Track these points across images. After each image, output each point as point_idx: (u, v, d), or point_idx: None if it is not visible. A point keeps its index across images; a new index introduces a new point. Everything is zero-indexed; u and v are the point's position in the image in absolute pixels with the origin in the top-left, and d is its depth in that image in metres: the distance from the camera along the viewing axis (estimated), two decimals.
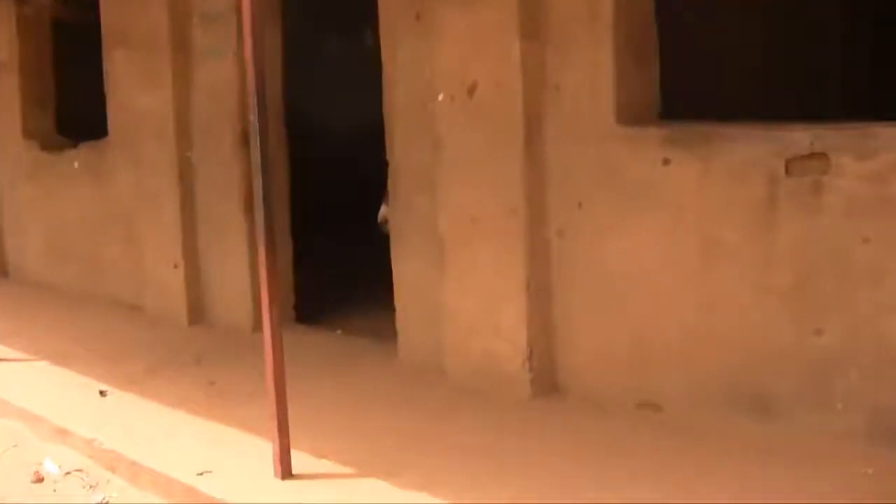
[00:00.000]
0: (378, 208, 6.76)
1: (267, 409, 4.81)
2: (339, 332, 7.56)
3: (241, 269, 7.50)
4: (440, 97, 5.80)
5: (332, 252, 9.12)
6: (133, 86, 8.01)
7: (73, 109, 9.83)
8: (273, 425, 4.78)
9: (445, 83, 5.78)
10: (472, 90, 5.65)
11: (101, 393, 6.39)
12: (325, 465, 4.94)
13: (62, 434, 5.95)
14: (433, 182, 6.03)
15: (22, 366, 7.25)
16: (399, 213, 6.33)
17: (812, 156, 4.63)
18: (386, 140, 6.38)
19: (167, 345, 7.42)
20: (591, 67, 5.32)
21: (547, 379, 5.67)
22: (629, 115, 5.29)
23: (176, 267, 7.80)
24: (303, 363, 6.50)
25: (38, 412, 6.24)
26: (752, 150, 4.81)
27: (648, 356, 5.28)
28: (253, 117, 4.70)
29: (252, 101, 4.68)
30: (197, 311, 7.85)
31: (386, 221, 6.74)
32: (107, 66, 8.39)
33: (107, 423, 5.92)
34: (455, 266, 5.88)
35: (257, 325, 7.27)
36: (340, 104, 10.00)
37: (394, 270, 6.42)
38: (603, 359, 5.47)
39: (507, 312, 5.66)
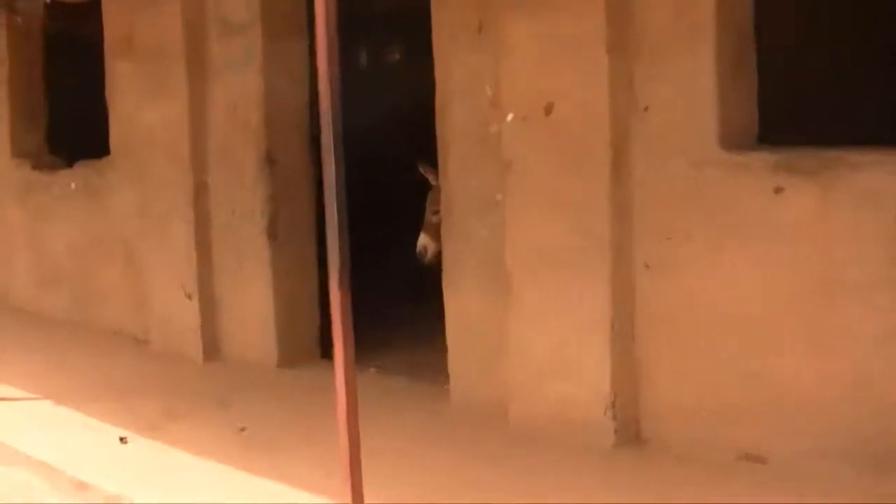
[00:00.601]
0: (413, 237, 6.26)
1: (328, 464, 4.23)
2: (372, 370, 6.96)
3: (263, 299, 6.91)
4: (509, 117, 5.29)
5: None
6: (140, 100, 7.40)
7: (59, 126, 9.18)
8: (346, 489, 4.19)
9: (516, 102, 5.27)
10: (548, 109, 5.14)
11: (121, 440, 5.77)
12: None
13: (82, 488, 5.32)
14: (498, 209, 5.50)
15: (23, 406, 6.62)
16: (453, 243, 5.79)
17: None
18: (439, 163, 5.84)
19: (183, 383, 6.81)
20: (687, 84, 4.83)
21: (630, 427, 5.15)
22: (730, 137, 4.80)
23: (189, 297, 7.18)
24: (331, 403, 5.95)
25: (52, 461, 5.60)
26: (882, 177, 4.34)
27: (752, 404, 4.77)
28: (326, 137, 4.11)
29: (326, 119, 4.10)
30: (212, 346, 7.24)
31: (426, 251, 6.19)
32: (109, 80, 7.76)
33: (131, 476, 5.32)
34: (524, 301, 5.34)
35: (283, 361, 6.76)
36: (359, 120, 9.42)
37: (446, 305, 5.87)
38: (696, 406, 4.96)
39: (588, 353, 5.14)
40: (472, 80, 5.59)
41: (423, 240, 6.20)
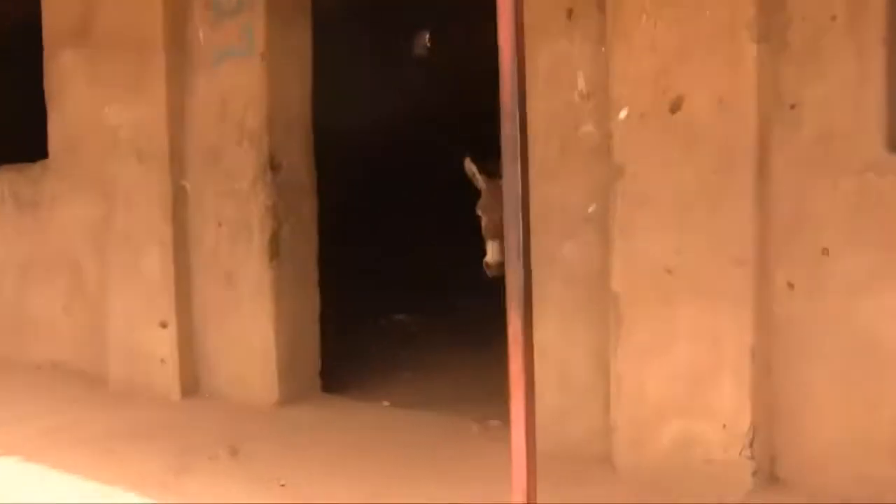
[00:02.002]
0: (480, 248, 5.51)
1: None
2: (385, 403, 6.11)
3: (262, 328, 5.94)
4: (623, 114, 4.57)
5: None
6: (99, 96, 6.29)
7: None
8: None
9: (632, 96, 4.55)
10: (676, 105, 4.46)
11: None
12: None
13: None
14: (589, 224, 4.79)
15: None
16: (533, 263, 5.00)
17: None
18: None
19: (169, 427, 5.75)
20: (849, 80, 4.24)
21: (765, 468, 4.51)
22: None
23: (164, 326, 6.11)
24: (371, 447, 5.15)
25: None
26: None
27: None
28: (513, 130, 3.30)
29: (512, 110, 3.29)
30: (191, 382, 6.19)
31: (501, 265, 5.41)
32: (50, 72, 6.59)
33: None
34: (636, 330, 4.63)
35: (285, 399, 5.81)
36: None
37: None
38: (850, 446, 4.36)
39: (721, 388, 4.47)
40: (560, 73, 4.84)
41: (496, 250, 5.43)
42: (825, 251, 4.34)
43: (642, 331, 4.62)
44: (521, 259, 3.40)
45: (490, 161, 5.67)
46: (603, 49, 4.74)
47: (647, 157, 4.55)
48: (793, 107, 4.36)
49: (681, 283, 4.51)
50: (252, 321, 5.96)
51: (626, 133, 4.58)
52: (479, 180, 5.68)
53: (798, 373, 4.45)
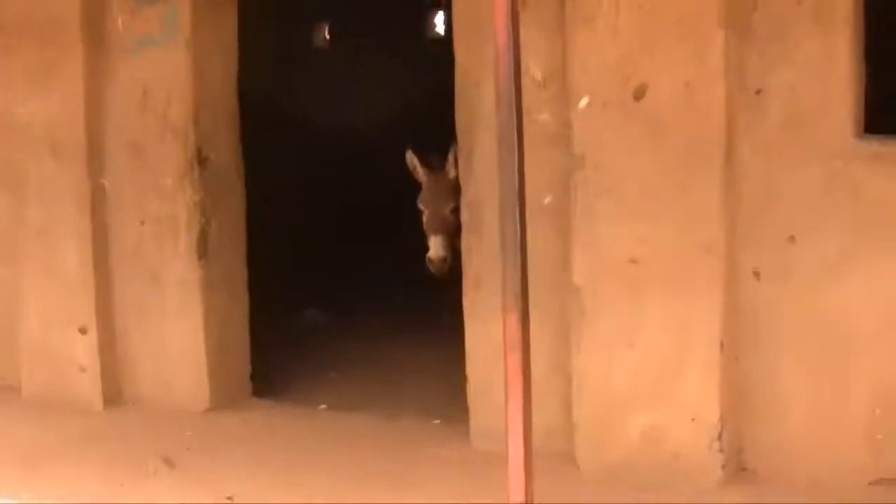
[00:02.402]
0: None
1: None
2: (323, 407, 5.86)
3: (190, 330, 5.63)
4: (583, 102, 4.45)
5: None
6: (4, 86, 5.84)
7: None
8: None
9: (594, 84, 4.43)
10: (640, 93, 4.35)
11: None
12: None
13: None
14: (545, 214, 4.66)
15: None
16: (480, 257, 4.86)
17: None
18: (460, 160, 4.90)
19: (97, 440, 5.38)
20: (815, 65, 4.21)
21: (735, 461, 4.46)
22: (861, 125, 4.23)
23: (83, 331, 5.74)
24: (320, 457, 5.00)
25: None
26: None
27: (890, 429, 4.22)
28: (509, 117, 3.14)
29: (508, 97, 3.13)
30: (114, 390, 5.83)
31: (444, 260, 5.25)
32: None
33: None
34: (599, 322, 4.52)
35: (215, 405, 5.53)
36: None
37: (468, 332, 4.94)
38: (820, 434, 4.34)
39: (689, 379, 4.41)
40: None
41: (439, 245, 5.25)
42: (792, 238, 4.30)
43: (606, 323, 4.51)
44: (519, 255, 3.22)
45: (433, 154, 5.52)
46: (559, 38, 4.61)
47: (609, 146, 4.44)
48: (758, 92, 4.31)
49: (646, 274, 4.42)
50: (179, 323, 5.64)
51: (587, 122, 4.45)
52: (421, 173, 5.51)
53: (765, 361, 4.41)
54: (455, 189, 5.41)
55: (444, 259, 5.32)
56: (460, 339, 6.74)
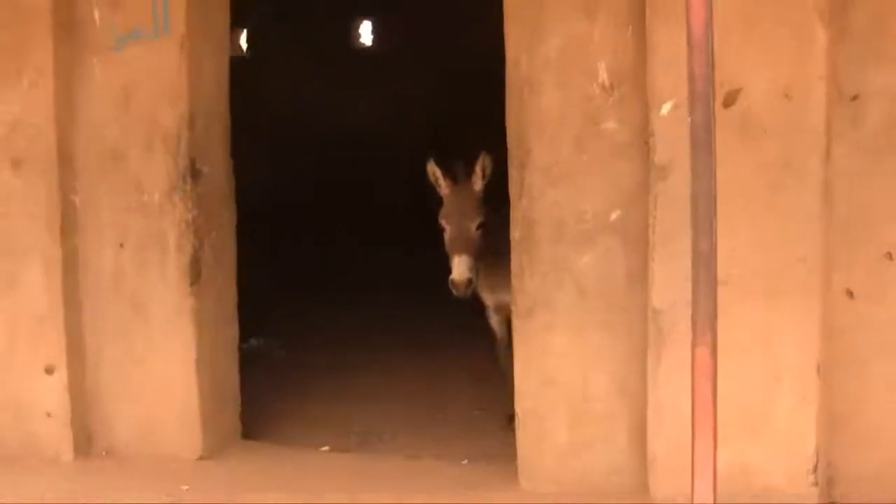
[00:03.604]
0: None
1: None
2: (326, 448, 5.29)
3: (178, 368, 4.99)
4: (666, 108, 4.07)
5: None
6: None
7: None
8: None
9: (678, 89, 4.04)
10: (731, 98, 4.01)
11: None
12: None
13: None
14: (614, 233, 4.27)
15: None
16: (536, 279, 4.41)
17: None
18: (511, 171, 4.44)
19: (70, 497, 4.62)
20: None
21: (825, 493, 4.14)
22: None
23: (50, 371, 5.01)
24: None
25: None
26: None
27: None
28: (705, 116, 2.74)
29: (705, 91, 2.73)
30: (84, 438, 5.10)
31: (469, 283, 4.79)
32: None
33: None
34: (681, 347, 4.10)
35: (208, 450, 4.90)
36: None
37: (520, 360, 4.48)
38: None
39: (782, 406, 4.08)
40: (574, 58, 4.29)
41: (464, 266, 4.77)
42: (889, 255, 4.03)
43: (688, 349, 4.11)
44: (713, 277, 2.80)
45: (455, 164, 5.06)
46: (630, 32, 4.23)
47: None
48: (855, 97, 4.02)
49: (736, 292, 4.04)
50: (167, 360, 4.98)
51: (670, 130, 4.07)
52: (443, 185, 5.03)
53: (856, 387, 4.12)
54: (481, 204, 4.98)
55: (469, 282, 4.86)
56: (421, 364, 6.36)
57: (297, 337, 7.46)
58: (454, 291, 4.87)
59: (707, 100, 2.74)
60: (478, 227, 4.93)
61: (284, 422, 5.69)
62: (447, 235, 4.96)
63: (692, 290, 2.81)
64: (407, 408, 5.93)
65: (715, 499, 2.85)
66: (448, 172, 5.02)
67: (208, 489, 4.66)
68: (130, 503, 4.50)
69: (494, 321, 5.41)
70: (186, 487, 4.70)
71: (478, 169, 4.96)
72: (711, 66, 2.75)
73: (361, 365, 6.82)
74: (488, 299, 5.29)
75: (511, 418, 5.35)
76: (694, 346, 2.82)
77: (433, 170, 5.01)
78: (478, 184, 4.97)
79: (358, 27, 11.44)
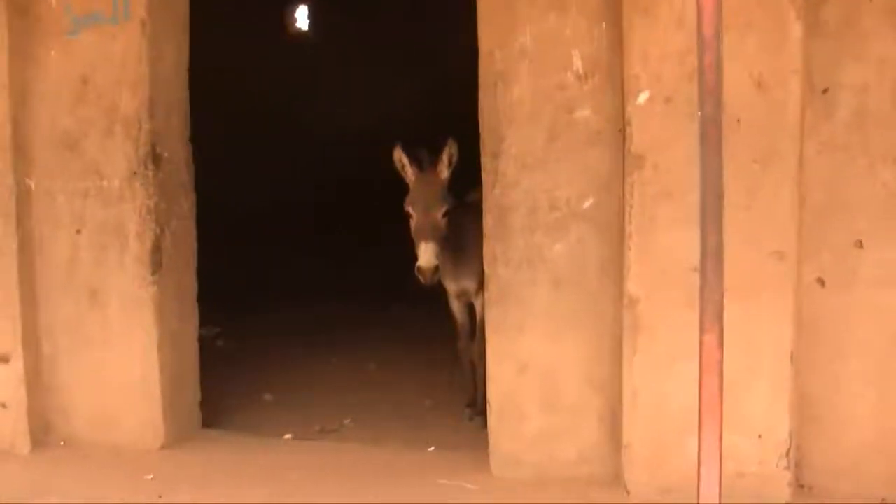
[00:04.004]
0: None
1: None
2: (289, 436, 5.24)
3: (138, 356, 4.90)
4: (642, 97, 4.10)
5: None
6: None
7: None
8: None
9: (654, 79, 4.10)
10: None
11: None
12: None
13: None
14: (586, 220, 4.30)
15: None
16: (510, 268, 4.42)
17: None
18: (483, 161, 4.44)
19: (30, 491, 4.51)
20: (888, 61, 4.04)
21: (795, 476, 4.24)
22: None
23: (4, 360, 4.88)
24: (327, 496, 4.39)
25: None
26: None
27: None
28: (714, 110, 2.76)
29: (716, 84, 2.75)
30: (41, 428, 4.98)
31: (436, 270, 4.77)
32: None
33: None
34: (657, 336, 4.18)
35: (171, 441, 4.84)
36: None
37: (494, 352, 4.49)
38: (885, 447, 4.18)
39: (756, 394, 4.14)
40: (548, 49, 4.29)
41: (430, 253, 4.75)
42: (859, 243, 4.12)
43: (664, 337, 4.18)
44: (721, 267, 2.83)
45: (421, 151, 5.03)
46: (603, 24, 4.25)
47: (671, 146, 4.10)
48: (826, 90, 4.10)
49: None
50: (127, 348, 4.88)
51: (647, 119, 4.11)
52: (409, 172, 5.00)
53: (827, 373, 4.21)
54: (447, 191, 4.97)
55: (435, 269, 4.84)
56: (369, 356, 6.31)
57: (239, 327, 7.35)
58: (420, 279, 4.84)
59: (717, 94, 2.75)
60: (444, 215, 4.91)
61: (238, 411, 5.62)
62: (413, 222, 4.93)
63: (700, 282, 2.82)
64: (358, 399, 5.89)
65: (720, 492, 2.87)
66: (414, 160, 4.99)
67: (173, 479, 4.58)
68: (96, 495, 4.40)
69: (456, 307, 5.41)
70: (150, 476, 4.62)
71: (444, 157, 4.93)
72: (720, 61, 2.76)
73: (306, 356, 6.77)
74: (451, 286, 5.28)
75: (470, 407, 5.40)
76: (701, 334, 2.84)
77: (399, 156, 4.98)
78: (444, 172, 4.95)
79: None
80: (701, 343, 2.87)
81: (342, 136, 9.42)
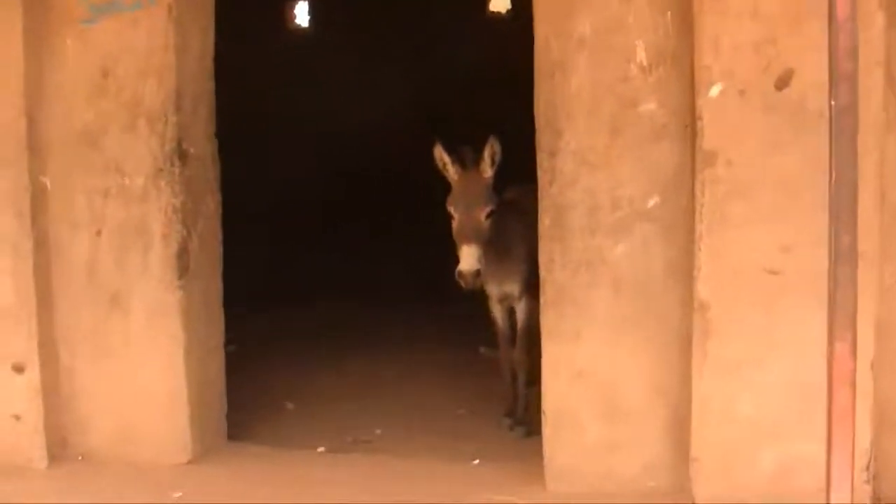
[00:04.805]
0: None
1: None
2: (321, 449, 4.97)
3: (164, 365, 4.61)
4: (715, 90, 3.87)
5: None
6: None
7: None
8: None
9: (727, 71, 3.87)
10: (784, 80, 3.83)
11: None
12: None
13: None
14: (661, 221, 4.08)
15: None
16: (567, 271, 4.18)
17: None
18: (539, 157, 4.19)
19: None
20: None
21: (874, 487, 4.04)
22: None
23: (19, 370, 4.56)
24: None
25: None
26: None
27: None
28: (850, 98, 2.54)
29: (852, 71, 2.53)
30: (57, 442, 4.67)
31: (478, 274, 4.53)
32: None
33: None
34: (728, 342, 3.96)
35: (198, 455, 4.57)
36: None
37: (550, 359, 4.25)
38: None
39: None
40: (609, 38, 4.06)
41: (473, 256, 4.51)
42: None
43: (736, 343, 3.96)
44: (854, 271, 2.62)
45: (464, 149, 4.78)
46: (669, 13, 4.02)
47: (745, 141, 3.88)
48: None
49: (785, 285, 3.90)
50: (151, 357, 4.59)
51: (720, 113, 3.88)
52: (451, 171, 4.75)
53: None
54: (491, 191, 4.73)
55: (476, 273, 4.59)
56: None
57: (244, 330, 7.03)
58: (461, 283, 4.61)
59: (853, 82, 2.53)
60: (487, 216, 4.67)
61: (259, 421, 5.33)
62: (454, 223, 4.69)
63: (830, 286, 2.60)
64: (384, 407, 5.62)
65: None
66: (457, 158, 4.74)
67: (204, 496, 4.30)
68: None
69: (497, 312, 5.17)
70: (179, 494, 4.33)
71: (486, 155, 4.69)
72: (856, 47, 2.54)
73: (320, 361, 6.49)
74: (493, 290, 5.04)
75: (509, 416, 5.15)
76: (832, 342, 2.62)
77: (440, 155, 4.73)
78: (487, 171, 4.71)
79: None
80: (831, 352, 2.64)
81: (345, 130, 9.14)
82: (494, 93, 8.53)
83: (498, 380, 5.64)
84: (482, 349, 6.33)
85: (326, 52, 9.52)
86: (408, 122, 9.21)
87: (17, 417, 4.58)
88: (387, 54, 9.45)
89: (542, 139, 4.16)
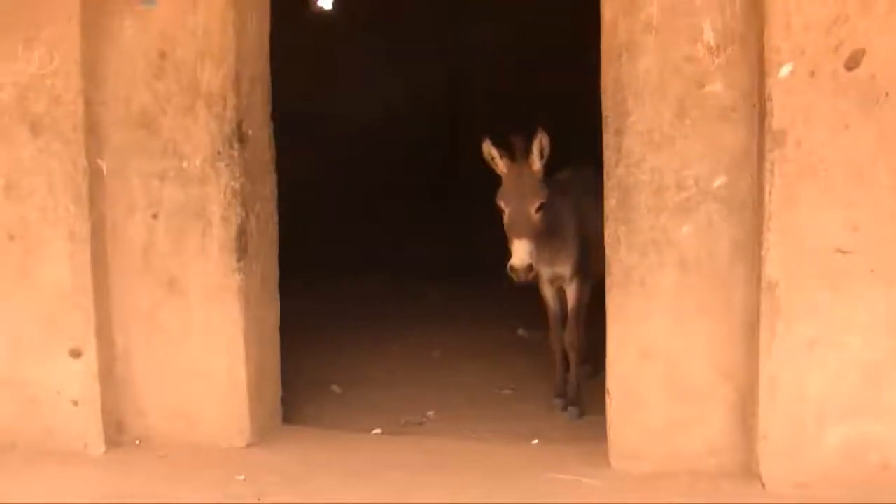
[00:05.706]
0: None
1: None
2: (377, 431, 4.98)
3: (222, 347, 4.60)
4: (785, 70, 3.88)
5: None
6: None
7: None
8: None
9: (797, 51, 3.88)
10: (854, 61, 3.85)
11: None
12: None
13: None
14: (728, 201, 4.09)
15: None
16: (633, 253, 4.19)
17: None
18: (606, 138, 4.20)
19: (111, 496, 4.19)
20: None
21: None
22: None
23: (76, 355, 4.54)
24: (440, 491, 4.13)
25: None
26: None
27: None
28: None
29: None
30: (114, 427, 4.65)
31: (530, 268, 4.54)
32: None
33: None
34: (798, 322, 3.98)
35: (256, 438, 4.57)
36: None
37: (615, 338, 4.26)
38: None
39: None
40: (677, 18, 4.07)
41: (524, 250, 4.52)
42: None
43: (805, 323, 3.98)
44: None
45: (513, 141, 4.78)
46: None
47: (815, 122, 3.90)
48: None
49: (855, 265, 3.92)
50: (209, 339, 4.57)
51: (790, 93, 3.89)
52: (501, 165, 4.76)
53: None
54: (541, 184, 4.73)
55: (529, 267, 4.60)
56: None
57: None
58: (514, 277, 4.62)
59: None
60: (538, 209, 4.68)
61: (307, 404, 5.32)
62: (505, 218, 4.71)
63: None
64: (431, 389, 5.64)
65: None
66: (505, 151, 4.75)
67: (267, 479, 4.30)
68: (185, 497, 4.10)
69: (548, 293, 5.19)
70: (242, 477, 4.32)
71: (534, 148, 4.70)
72: None
73: (361, 342, 6.50)
74: (544, 271, 5.05)
75: (561, 397, 5.17)
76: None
77: (489, 149, 4.74)
78: (536, 163, 4.71)
79: None
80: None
81: (364, 116, 9.10)
82: (529, 70, 8.55)
83: (540, 360, 5.68)
84: (520, 330, 6.36)
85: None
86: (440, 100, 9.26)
87: (75, 403, 4.55)
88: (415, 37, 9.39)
89: (609, 119, 4.17)
